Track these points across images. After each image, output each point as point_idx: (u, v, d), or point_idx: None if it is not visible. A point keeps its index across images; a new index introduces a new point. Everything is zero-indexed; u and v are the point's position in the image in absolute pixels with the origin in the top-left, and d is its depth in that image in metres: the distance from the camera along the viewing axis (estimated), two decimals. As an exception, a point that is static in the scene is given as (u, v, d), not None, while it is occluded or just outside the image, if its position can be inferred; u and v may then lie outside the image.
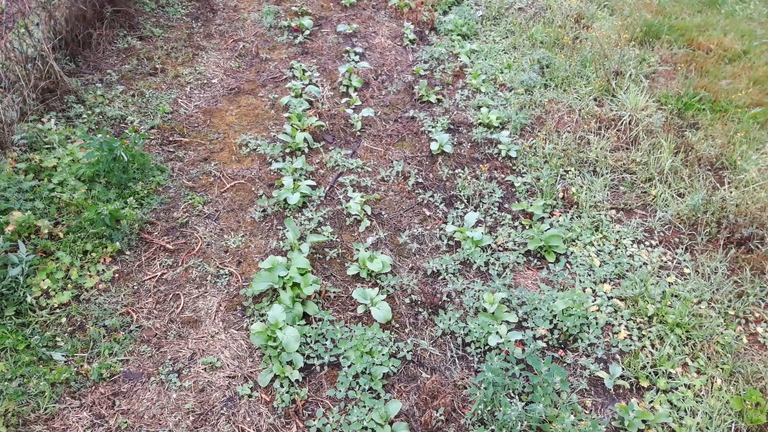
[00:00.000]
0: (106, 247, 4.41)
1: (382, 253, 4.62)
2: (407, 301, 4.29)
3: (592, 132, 6.00)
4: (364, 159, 5.71)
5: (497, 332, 3.97)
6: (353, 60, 7.21)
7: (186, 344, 3.88)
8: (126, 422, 3.39)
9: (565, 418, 3.33)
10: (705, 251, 4.76)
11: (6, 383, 3.45)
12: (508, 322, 4.11)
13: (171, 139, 5.69)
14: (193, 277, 4.36)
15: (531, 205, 5.09)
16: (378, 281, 4.42)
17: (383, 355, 3.79)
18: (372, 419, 3.42)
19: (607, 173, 5.50)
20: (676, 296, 4.36)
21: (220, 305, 4.18)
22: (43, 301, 3.98)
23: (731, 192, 5.20)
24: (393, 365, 3.77)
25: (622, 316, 4.21)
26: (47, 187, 4.67)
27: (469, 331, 4.03)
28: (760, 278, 4.50)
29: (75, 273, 4.18)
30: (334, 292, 4.32)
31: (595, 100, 6.53)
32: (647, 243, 4.86)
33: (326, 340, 3.91)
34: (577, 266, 4.61)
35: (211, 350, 3.85)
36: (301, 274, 4.16)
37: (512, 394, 3.56)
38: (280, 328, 3.79)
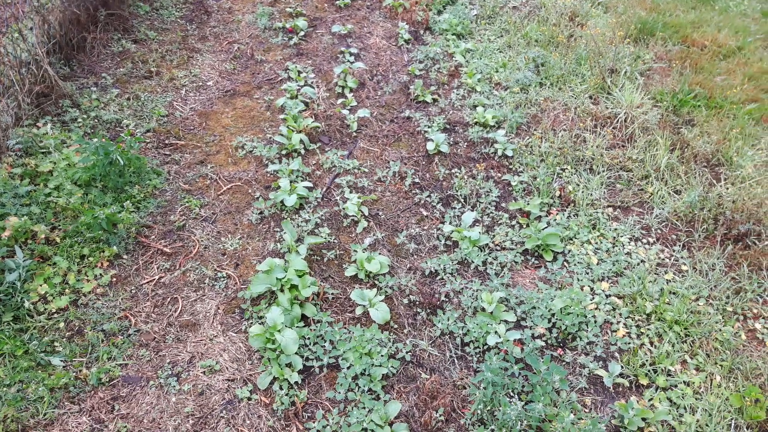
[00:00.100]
0: (104, 252, 4.40)
1: (379, 253, 4.62)
2: (405, 301, 4.29)
3: (587, 130, 6.01)
4: (360, 160, 5.70)
5: (496, 332, 3.98)
6: (348, 61, 7.20)
7: (185, 348, 3.88)
8: (125, 426, 3.39)
9: (565, 416, 3.33)
10: (702, 248, 4.77)
11: (5, 389, 3.44)
12: (506, 322, 4.11)
13: (167, 142, 5.68)
14: (190, 281, 4.36)
15: (528, 204, 5.09)
16: (376, 282, 4.41)
17: (382, 356, 3.79)
18: (372, 420, 3.42)
19: (603, 171, 5.50)
20: (674, 293, 4.36)
21: (219, 308, 4.17)
22: (40, 306, 3.97)
23: (728, 188, 5.21)
24: (392, 366, 3.77)
25: (620, 314, 4.21)
26: (43, 192, 4.66)
27: (468, 330, 4.03)
28: (758, 274, 4.51)
29: (72, 278, 4.17)
30: (332, 294, 4.32)
31: (590, 98, 6.53)
32: (644, 240, 4.86)
33: (325, 341, 3.91)
34: (574, 264, 4.61)
35: (209, 353, 3.85)
36: (299, 276, 4.16)
37: (512, 394, 3.56)
38: (279, 331, 3.79)
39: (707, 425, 3.50)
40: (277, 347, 3.76)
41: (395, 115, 6.40)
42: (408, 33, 7.94)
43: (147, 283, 4.31)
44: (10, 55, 5.37)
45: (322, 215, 4.97)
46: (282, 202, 4.99)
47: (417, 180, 5.46)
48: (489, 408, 3.46)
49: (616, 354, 3.97)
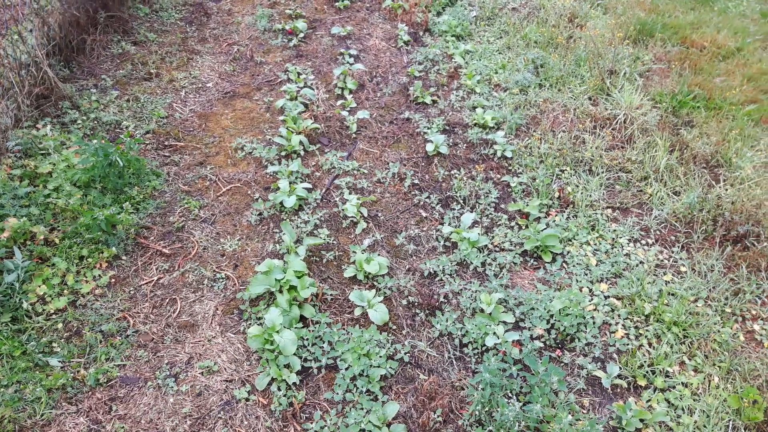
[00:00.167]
0: (102, 253, 4.41)
1: (378, 255, 4.62)
2: (404, 302, 4.29)
3: (587, 131, 6.01)
4: (360, 161, 5.71)
5: (494, 333, 3.97)
6: (348, 62, 7.21)
7: (183, 348, 3.88)
8: (123, 427, 3.39)
9: (563, 418, 3.33)
10: (701, 249, 4.77)
11: (2, 390, 3.44)
12: (505, 323, 4.11)
13: (166, 143, 5.69)
14: (189, 282, 4.36)
15: (527, 205, 5.09)
16: (375, 283, 4.41)
17: (381, 357, 3.79)
18: (370, 421, 3.42)
19: (602, 172, 5.50)
20: (672, 294, 4.36)
21: (217, 309, 4.17)
22: (39, 307, 3.97)
23: (727, 189, 5.21)
24: (390, 367, 3.77)
25: (619, 315, 4.21)
26: (42, 193, 4.67)
27: (467, 332, 4.03)
28: (757, 276, 4.50)
29: (71, 279, 4.17)
30: (331, 295, 4.32)
31: (589, 99, 6.53)
32: (643, 242, 4.86)
33: (323, 342, 3.91)
34: (573, 266, 4.61)
35: (208, 354, 3.85)
36: (298, 277, 4.16)
37: (510, 395, 3.56)
38: (277, 332, 3.79)
39: (705, 426, 3.49)
40: (276, 348, 3.76)
41: (395, 116, 6.41)
42: (407, 34, 7.95)
43: (146, 284, 4.31)
44: (10, 57, 5.38)
45: (321, 216, 4.98)
46: (281, 203, 4.99)
47: (416, 181, 5.47)
48: (487, 409, 3.46)
49: (615, 355, 3.97)
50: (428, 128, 6.14)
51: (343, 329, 4.03)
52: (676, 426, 3.49)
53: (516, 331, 4.09)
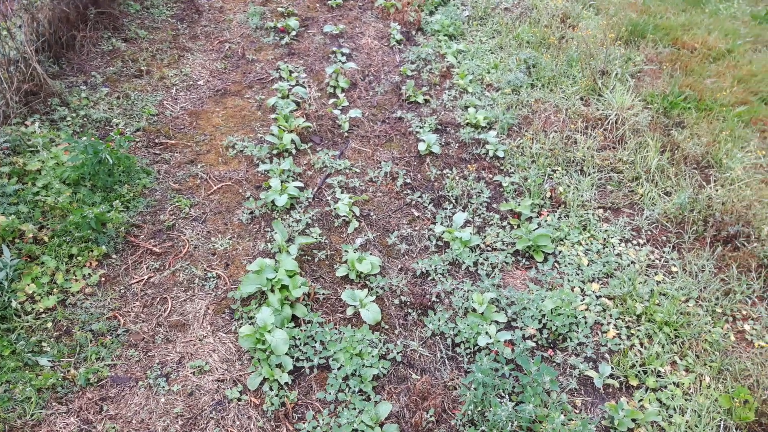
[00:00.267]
0: (92, 251, 4.37)
1: (370, 254, 4.61)
2: (396, 302, 4.28)
3: (578, 131, 6.02)
4: (352, 160, 5.69)
5: (486, 332, 3.97)
6: (340, 61, 7.19)
7: (174, 348, 3.85)
8: (114, 427, 3.36)
9: (555, 417, 3.33)
10: (692, 249, 4.79)
11: (-9, 390, 3.41)
12: (497, 322, 4.11)
13: (157, 141, 5.65)
14: (180, 281, 4.33)
15: (519, 205, 5.10)
16: (367, 282, 4.40)
17: (373, 356, 3.78)
18: (362, 421, 3.41)
19: (594, 172, 5.52)
20: (664, 295, 4.38)
21: (208, 308, 4.15)
22: (28, 305, 3.93)
23: (717, 190, 5.24)
24: (383, 367, 3.76)
25: (610, 315, 4.22)
26: (31, 191, 4.62)
27: (459, 331, 4.03)
28: (747, 276, 4.53)
29: (61, 277, 4.14)
30: (323, 294, 4.30)
31: (581, 99, 6.55)
32: (635, 242, 4.88)
33: (315, 342, 3.89)
34: (565, 265, 4.62)
35: (199, 354, 3.83)
36: (290, 276, 4.14)
37: (502, 395, 3.56)
38: (269, 331, 3.77)
39: (697, 426, 3.51)
40: (267, 348, 3.74)
41: (387, 115, 6.40)
42: (400, 33, 7.94)
43: (136, 282, 4.28)
44: (-1, 53, 5.33)
45: (313, 215, 4.96)
46: (273, 201, 4.97)
47: (408, 180, 5.46)
48: (479, 409, 3.46)
49: (607, 355, 3.98)
50: (420, 127, 6.13)
51: (335, 329, 4.01)
52: (667, 426, 3.51)
53: (508, 330, 4.10)
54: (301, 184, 5.20)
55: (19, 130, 5.19)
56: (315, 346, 3.87)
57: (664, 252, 4.78)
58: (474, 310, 4.18)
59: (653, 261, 4.71)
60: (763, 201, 5.06)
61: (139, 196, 4.95)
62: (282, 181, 5.19)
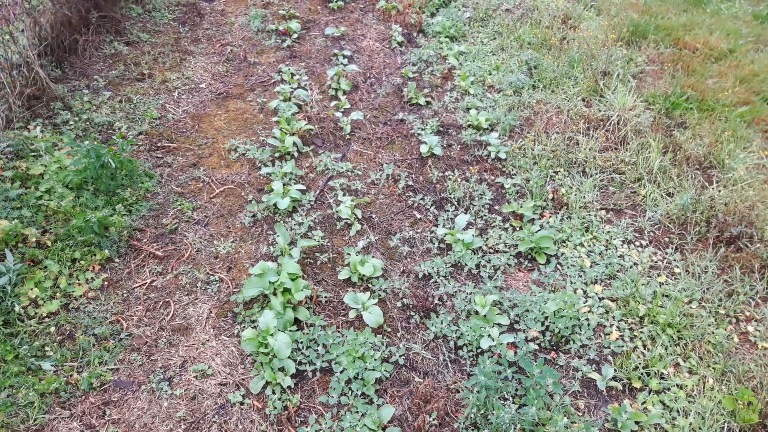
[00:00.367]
0: (95, 255, 4.38)
1: (373, 257, 4.61)
2: (399, 304, 4.28)
3: (580, 132, 6.02)
4: (353, 162, 5.69)
5: (489, 335, 3.97)
6: (342, 63, 7.20)
7: (177, 352, 3.86)
8: (117, 431, 3.37)
9: (559, 420, 3.33)
10: (695, 251, 4.78)
11: (-6, 395, 3.41)
12: (500, 325, 4.11)
13: (159, 144, 5.66)
14: (183, 284, 4.34)
15: (521, 207, 5.10)
16: (369, 285, 4.40)
17: (375, 359, 3.78)
18: (365, 425, 3.41)
19: (596, 174, 5.51)
20: (666, 296, 4.37)
21: (211, 312, 4.15)
22: (31, 310, 3.94)
23: (720, 191, 5.23)
24: (385, 370, 3.77)
25: (613, 317, 4.22)
26: (34, 195, 4.63)
27: (461, 334, 4.03)
28: (750, 277, 4.52)
29: (63, 281, 4.14)
30: (325, 297, 4.30)
31: (583, 100, 6.55)
32: (637, 243, 4.87)
33: (318, 345, 3.89)
34: (567, 267, 4.61)
35: (202, 358, 3.83)
36: (292, 280, 4.15)
37: (505, 397, 3.55)
38: (272, 335, 3.77)
39: (700, 428, 3.50)
40: (270, 351, 3.74)
41: (388, 117, 6.40)
42: (401, 35, 7.94)
43: (139, 286, 4.29)
44: (1, 58, 5.34)
45: (315, 218, 4.96)
46: (275, 204, 4.97)
47: (410, 183, 5.46)
48: (482, 412, 3.46)
49: (610, 357, 3.97)
50: (422, 129, 6.13)
51: (338, 332, 4.01)
52: (671, 428, 3.50)
53: (511, 333, 4.09)
54: (303, 187, 5.20)
55: (22, 134, 5.20)
56: (317, 350, 3.87)
57: (666, 253, 4.77)
58: (476, 312, 4.18)
59: (656, 262, 4.70)
60: (766, 201, 5.05)
61: (141, 200, 4.96)
62: (284, 184, 5.20)
